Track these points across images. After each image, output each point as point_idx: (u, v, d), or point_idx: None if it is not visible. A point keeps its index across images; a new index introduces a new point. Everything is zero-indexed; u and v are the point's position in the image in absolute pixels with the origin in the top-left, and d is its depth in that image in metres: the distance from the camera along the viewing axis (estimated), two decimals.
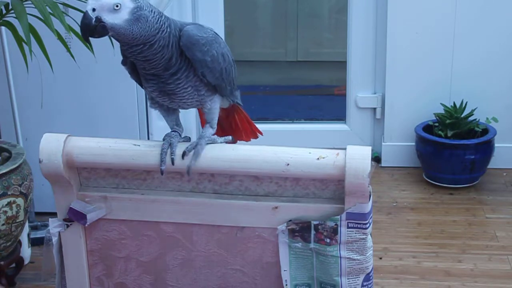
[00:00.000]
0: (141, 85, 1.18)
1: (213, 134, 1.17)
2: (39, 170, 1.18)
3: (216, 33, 1.17)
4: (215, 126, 1.17)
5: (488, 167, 3.01)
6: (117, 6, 1.01)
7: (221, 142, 1.15)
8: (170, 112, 1.19)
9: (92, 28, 1.02)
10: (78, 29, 1.93)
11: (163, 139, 1.13)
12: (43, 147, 1.14)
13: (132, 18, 1.03)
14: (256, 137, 1.38)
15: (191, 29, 1.10)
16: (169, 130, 1.18)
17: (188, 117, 3.11)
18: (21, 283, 2.29)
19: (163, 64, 1.09)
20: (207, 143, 1.13)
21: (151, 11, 1.06)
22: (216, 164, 1.10)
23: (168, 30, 1.08)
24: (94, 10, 1.01)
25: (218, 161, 1.10)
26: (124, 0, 1.03)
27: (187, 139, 1.17)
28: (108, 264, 1.18)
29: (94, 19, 1.02)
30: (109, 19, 1.02)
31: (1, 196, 1.98)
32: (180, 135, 1.16)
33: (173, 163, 1.10)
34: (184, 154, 1.10)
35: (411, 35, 3.07)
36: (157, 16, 1.07)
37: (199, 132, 3.30)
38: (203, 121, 1.23)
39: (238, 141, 1.35)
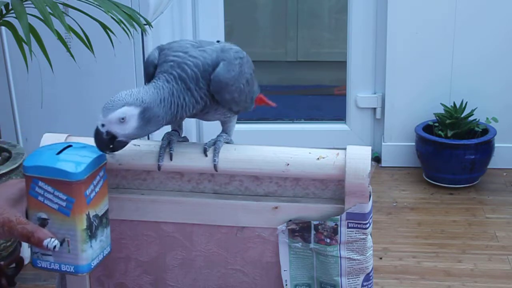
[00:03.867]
0: None
1: None
2: None
3: (239, 53, 1.12)
4: (231, 135, 1.18)
5: (488, 167, 3.01)
6: (122, 119, 1.01)
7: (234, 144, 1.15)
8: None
9: (106, 142, 1.02)
10: (78, 29, 1.94)
11: (163, 138, 1.14)
12: None
13: (142, 123, 1.02)
14: (268, 105, 1.39)
15: (221, 73, 1.07)
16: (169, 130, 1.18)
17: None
18: (21, 283, 2.30)
19: (199, 109, 1.10)
20: (225, 142, 1.13)
21: (162, 100, 1.03)
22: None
23: (187, 97, 1.06)
24: (103, 125, 1.01)
25: (218, 161, 1.10)
26: (128, 110, 1.01)
27: (185, 139, 1.17)
28: (108, 264, 1.18)
29: (105, 133, 1.01)
30: (119, 130, 1.01)
31: None
32: (179, 134, 1.17)
33: (171, 159, 1.11)
34: (205, 151, 1.10)
35: (411, 35, 3.07)
36: (170, 100, 1.04)
37: (198, 132, 3.30)
38: None
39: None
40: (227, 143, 1.13)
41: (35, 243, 0.97)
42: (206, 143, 1.12)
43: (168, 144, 1.12)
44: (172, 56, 1.08)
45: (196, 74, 1.06)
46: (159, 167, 1.11)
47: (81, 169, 0.98)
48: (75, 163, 0.98)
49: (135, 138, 1.05)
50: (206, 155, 1.10)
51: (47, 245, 0.97)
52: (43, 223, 0.99)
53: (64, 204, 0.97)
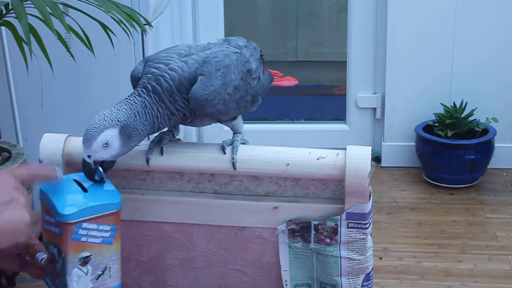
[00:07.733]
0: None
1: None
2: None
3: (224, 61, 1.11)
4: (244, 132, 1.18)
5: (488, 167, 3.01)
6: (106, 144, 1.02)
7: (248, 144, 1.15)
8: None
9: (94, 171, 1.03)
10: (78, 29, 1.94)
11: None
12: (43, 147, 1.14)
13: (124, 140, 1.04)
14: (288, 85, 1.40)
15: (197, 91, 1.07)
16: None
17: None
18: (21, 283, 2.29)
19: (178, 119, 1.11)
20: (241, 142, 1.13)
21: (136, 114, 1.04)
22: (216, 164, 1.10)
23: (161, 108, 1.06)
24: (89, 156, 1.03)
25: (218, 161, 1.10)
26: (108, 133, 1.02)
27: (179, 140, 1.18)
28: None
29: (92, 164, 1.03)
30: (106, 155, 1.03)
31: None
32: (173, 135, 1.17)
33: (162, 153, 1.11)
34: (224, 148, 1.11)
35: (411, 35, 3.07)
36: (144, 112, 1.05)
37: (198, 131, 3.30)
38: None
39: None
40: (242, 143, 1.13)
41: (32, 254, 1.00)
42: (224, 141, 1.12)
43: (159, 141, 1.13)
44: (153, 68, 1.09)
45: (171, 87, 1.07)
46: (147, 160, 1.11)
47: (119, 195, 1.00)
48: (109, 192, 1.00)
49: (122, 155, 1.06)
50: (224, 153, 1.10)
51: (38, 257, 0.98)
52: (85, 260, 0.99)
53: (108, 234, 0.99)
